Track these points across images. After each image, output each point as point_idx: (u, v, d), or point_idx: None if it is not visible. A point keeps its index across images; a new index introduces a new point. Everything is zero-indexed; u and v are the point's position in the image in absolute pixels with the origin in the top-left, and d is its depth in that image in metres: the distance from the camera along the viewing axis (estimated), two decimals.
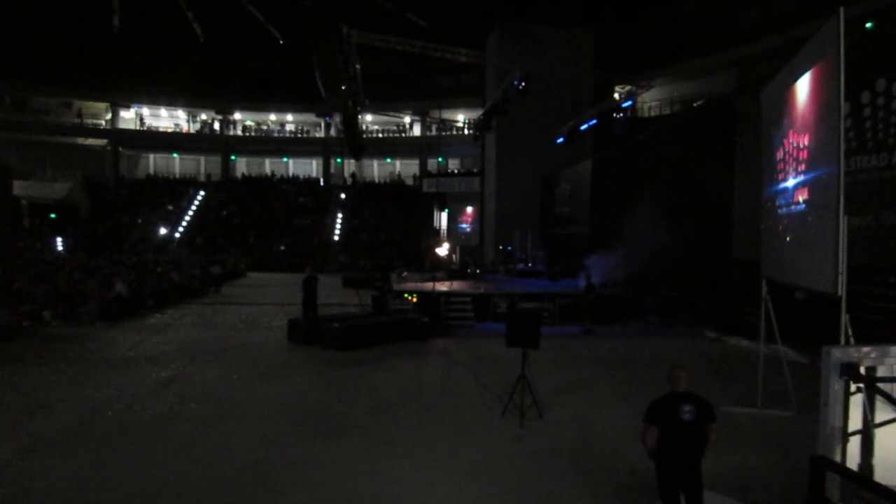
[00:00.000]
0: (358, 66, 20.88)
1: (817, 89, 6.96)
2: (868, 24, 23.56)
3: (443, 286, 19.27)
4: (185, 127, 51.32)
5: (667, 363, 5.28)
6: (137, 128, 49.70)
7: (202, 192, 46.79)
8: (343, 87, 19.95)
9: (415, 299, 17.88)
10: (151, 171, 50.95)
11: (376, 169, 52.02)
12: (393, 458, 7.15)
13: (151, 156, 51.35)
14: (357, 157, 33.12)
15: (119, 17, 33.97)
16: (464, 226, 41.21)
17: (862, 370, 2.66)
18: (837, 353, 2.70)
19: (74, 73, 45.55)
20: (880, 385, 3.24)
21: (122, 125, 49.11)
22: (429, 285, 18.98)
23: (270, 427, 8.22)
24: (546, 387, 9.83)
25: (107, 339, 14.81)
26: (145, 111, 49.84)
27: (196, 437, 7.75)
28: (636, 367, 12.42)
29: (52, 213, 41.66)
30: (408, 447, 7.56)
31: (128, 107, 49.15)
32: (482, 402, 9.56)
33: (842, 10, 5.77)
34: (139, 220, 42.46)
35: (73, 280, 20.45)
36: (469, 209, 41.05)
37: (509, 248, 28.48)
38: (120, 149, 48.67)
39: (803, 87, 7.43)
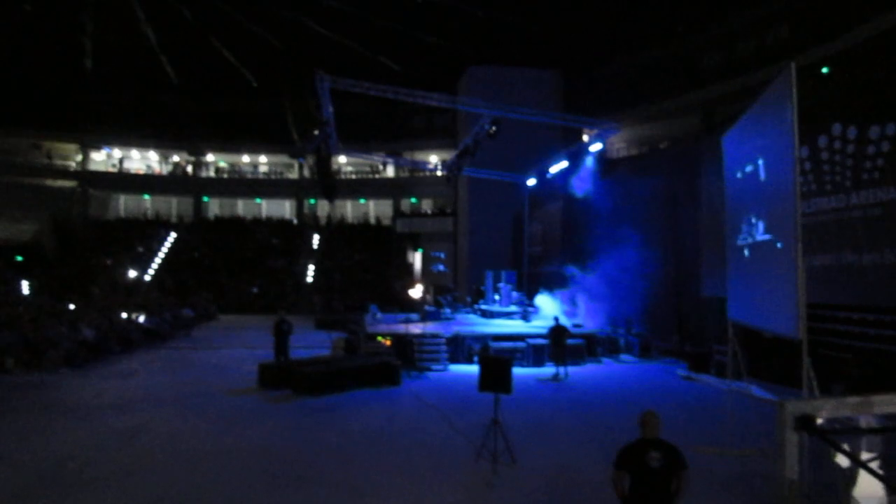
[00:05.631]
0: (331, 110, 21.06)
1: (773, 136, 7.22)
2: (824, 69, 24.58)
3: (416, 328, 19.22)
4: (156, 168, 51.07)
5: (639, 404, 5.34)
6: (109, 169, 49.33)
7: (173, 234, 46.30)
8: (316, 132, 20.09)
9: (388, 341, 17.81)
10: (122, 212, 50.33)
11: (350, 209, 52.05)
12: None
13: (122, 197, 50.78)
14: (330, 199, 33.22)
15: (90, 58, 34.07)
16: (439, 266, 41.28)
17: (819, 422, 2.74)
18: (791, 407, 2.78)
19: (44, 113, 45.24)
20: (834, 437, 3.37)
21: (92, 166, 48.68)
22: (402, 327, 18.92)
23: (239, 478, 8.06)
24: (519, 430, 9.80)
25: (71, 386, 14.45)
26: (116, 153, 49.53)
27: (162, 491, 7.57)
28: (608, 409, 12.47)
29: (18, 255, 40.81)
30: (379, 496, 7.47)
31: (98, 148, 48.81)
32: (455, 446, 9.50)
33: (793, 64, 6.04)
34: (108, 262, 41.79)
35: (38, 324, 19.98)
36: (443, 249, 41.17)
37: (482, 287, 28.60)
38: (90, 190, 48.14)
39: (761, 135, 7.70)
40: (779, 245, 6.77)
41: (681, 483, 4.79)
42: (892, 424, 4.62)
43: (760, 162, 7.56)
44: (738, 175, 8.68)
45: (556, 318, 17.28)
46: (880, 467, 5.37)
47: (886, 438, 5.46)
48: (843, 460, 5.51)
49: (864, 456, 5.59)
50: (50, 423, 10.87)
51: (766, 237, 7.34)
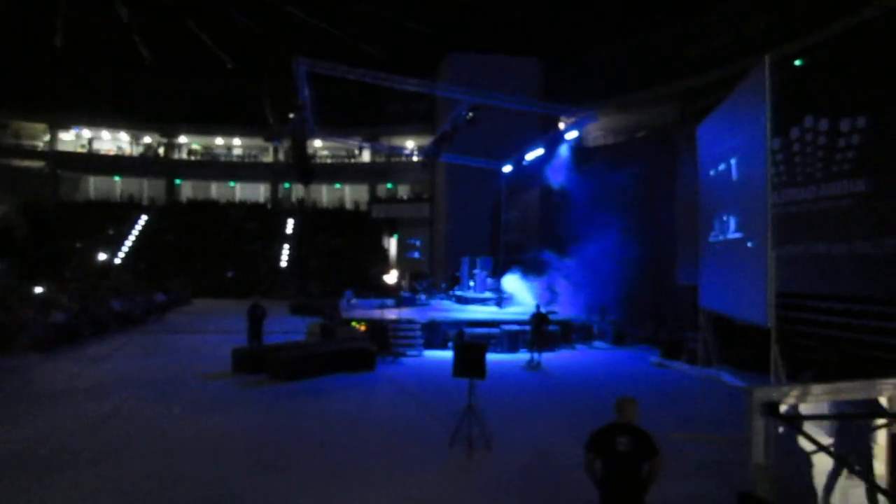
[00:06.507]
0: (307, 93, 20.85)
1: (747, 130, 7.33)
2: (797, 62, 24.85)
3: (391, 313, 19.23)
4: (127, 149, 50.12)
5: (610, 390, 5.42)
6: (78, 150, 48.31)
7: (144, 217, 45.56)
8: (292, 115, 19.88)
9: (364, 327, 17.81)
10: (91, 194, 49.33)
11: (325, 194, 51.62)
12: (341, 493, 7.08)
13: (92, 179, 49.75)
14: (306, 183, 32.88)
15: (61, 36, 33.15)
16: (415, 253, 41.25)
17: (783, 409, 2.82)
18: (759, 393, 2.85)
19: (11, 91, 44.07)
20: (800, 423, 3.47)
21: (61, 147, 47.62)
22: (377, 313, 18.93)
23: (216, 463, 8.03)
24: (494, 415, 9.89)
25: (42, 370, 14.24)
26: (86, 133, 48.51)
27: (138, 476, 7.52)
28: (583, 395, 12.61)
29: None
30: (356, 481, 7.50)
31: (67, 128, 47.76)
32: (431, 432, 9.56)
33: (767, 58, 6.12)
34: (78, 245, 41.05)
35: (7, 307, 19.60)
36: (419, 235, 41.11)
37: (458, 273, 28.68)
38: (59, 171, 47.12)
39: (735, 127, 7.80)
40: (749, 244, 6.89)
41: (653, 468, 4.85)
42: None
43: (733, 161, 7.68)
44: (711, 173, 8.80)
45: (538, 306, 17.43)
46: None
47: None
48: (808, 445, 5.65)
49: (828, 441, 5.74)
50: (21, 408, 10.71)
51: (738, 235, 7.47)
